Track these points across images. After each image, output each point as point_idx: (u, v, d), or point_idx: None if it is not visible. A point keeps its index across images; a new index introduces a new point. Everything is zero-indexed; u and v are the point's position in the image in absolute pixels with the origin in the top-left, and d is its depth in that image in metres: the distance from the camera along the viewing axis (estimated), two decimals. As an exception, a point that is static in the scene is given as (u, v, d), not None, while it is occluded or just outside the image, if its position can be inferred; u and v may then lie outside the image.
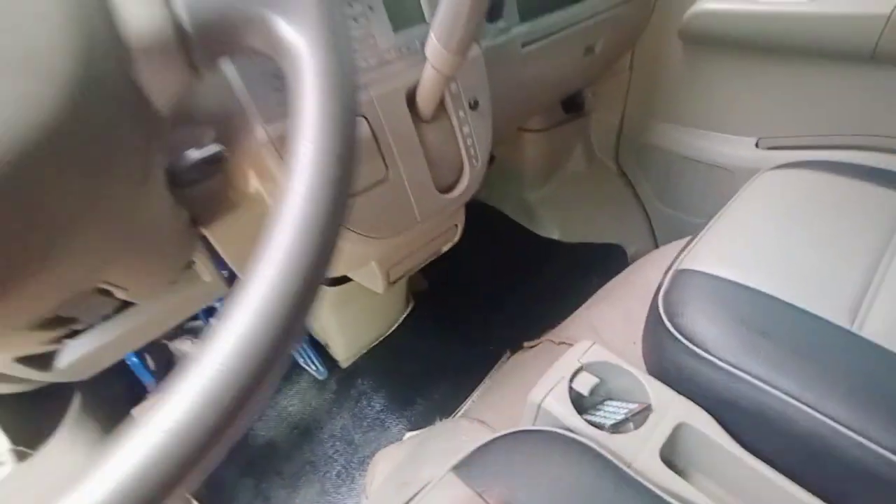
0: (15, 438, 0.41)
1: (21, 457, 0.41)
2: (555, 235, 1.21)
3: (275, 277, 0.15)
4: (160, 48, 0.19)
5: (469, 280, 1.12)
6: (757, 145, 0.89)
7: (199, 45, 0.20)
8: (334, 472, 0.82)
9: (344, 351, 0.94)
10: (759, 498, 0.40)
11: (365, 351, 0.97)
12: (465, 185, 0.54)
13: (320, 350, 0.94)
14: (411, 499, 0.41)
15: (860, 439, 0.38)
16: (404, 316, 1.01)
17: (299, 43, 0.19)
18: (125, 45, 0.18)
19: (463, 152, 0.51)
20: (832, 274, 0.50)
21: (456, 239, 0.66)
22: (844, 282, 0.49)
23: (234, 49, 0.21)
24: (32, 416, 0.45)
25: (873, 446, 0.37)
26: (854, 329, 0.44)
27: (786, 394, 0.41)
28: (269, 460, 0.83)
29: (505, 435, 0.42)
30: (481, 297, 1.08)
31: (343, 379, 0.93)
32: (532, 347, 0.77)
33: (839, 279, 0.49)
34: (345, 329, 0.90)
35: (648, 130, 1.04)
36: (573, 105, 1.09)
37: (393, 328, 1.00)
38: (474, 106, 0.51)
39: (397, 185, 0.48)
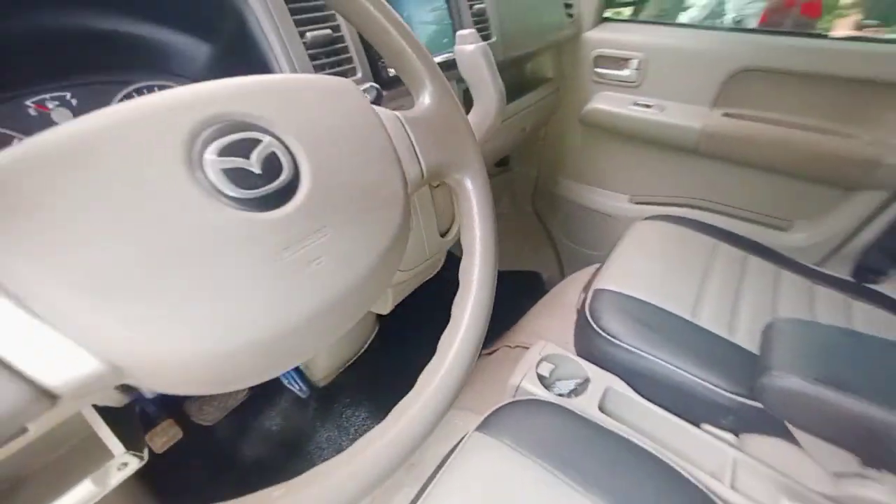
0: (125, 444, 0.50)
1: (139, 458, 0.49)
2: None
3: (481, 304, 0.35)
4: (413, 187, 0.36)
5: (423, 306, 1.31)
6: (630, 200, 1.26)
7: (426, 180, 0.38)
8: None
9: (322, 370, 1.05)
10: (656, 425, 0.66)
11: (341, 370, 1.09)
12: (456, 230, 0.75)
13: (299, 371, 1.04)
14: (441, 466, 0.57)
15: (704, 383, 0.65)
16: (373, 336, 1.16)
17: (470, 187, 0.39)
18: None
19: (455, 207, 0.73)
20: (689, 291, 0.80)
21: (439, 267, 0.86)
22: (687, 292, 0.80)
23: (438, 182, 0.40)
24: (130, 423, 0.53)
25: (711, 386, 0.65)
26: (728, 336, 0.73)
27: (665, 362, 0.68)
28: (259, 477, 0.90)
29: (506, 405, 0.62)
30: (436, 319, 1.27)
31: (323, 397, 1.04)
32: (490, 353, 0.99)
33: (686, 291, 0.80)
34: (326, 351, 1.02)
35: (556, 184, 1.37)
36: (502, 162, 1.38)
37: (364, 347, 1.14)
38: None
39: (417, 230, 0.67)
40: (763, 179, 1.03)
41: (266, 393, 1.01)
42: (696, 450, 0.63)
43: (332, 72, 0.49)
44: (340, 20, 0.51)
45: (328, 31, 0.49)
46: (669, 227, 0.97)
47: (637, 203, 1.25)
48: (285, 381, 1.02)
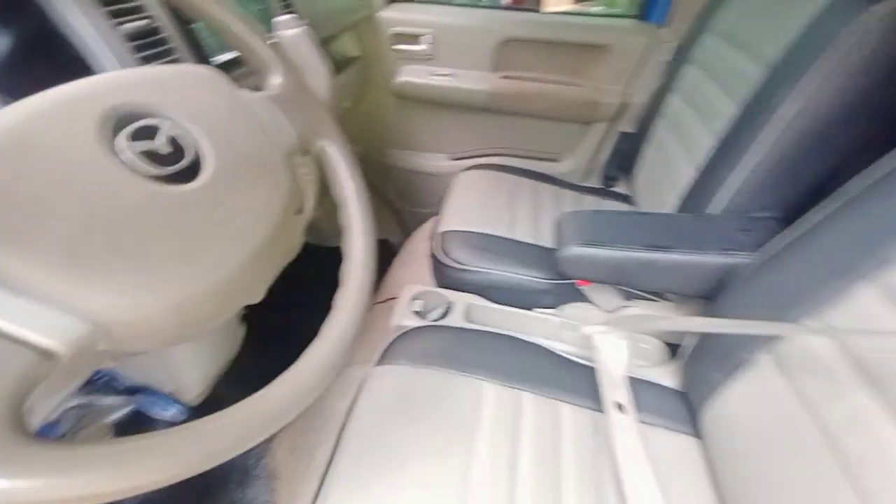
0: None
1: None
2: (337, 244, 1.52)
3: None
4: (291, 153, 0.42)
5: (287, 304, 1.30)
6: (449, 158, 1.47)
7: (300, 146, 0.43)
8: (234, 481, 0.90)
9: (193, 388, 0.99)
10: (508, 319, 0.87)
11: (213, 384, 1.03)
12: (310, 206, 0.80)
13: (168, 397, 0.96)
14: (350, 412, 0.65)
15: (528, 278, 0.88)
16: (241, 341, 1.12)
17: (335, 151, 0.47)
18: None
19: None
20: (506, 216, 1.03)
21: (299, 248, 0.90)
22: (505, 217, 1.02)
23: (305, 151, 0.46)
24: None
25: (533, 279, 0.88)
26: (537, 242, 0.97)
27: (501, 271, 0.89)
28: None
29: (394, 339, 0.74)
30: (301, 306, 1.28)
31: (201, 415, 0.98)
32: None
33: (504, 217, 1.02)
34: (197, 362, 0.96)
35: (383, 154, 1.49)
36: (328, 141, 1.42)
37: (233, 354, 1.09)
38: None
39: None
40: (536, 125, 1.34)
41: (140, 430, 0.91)
42: (536, 326, 0.86)
43: (163, 62, 0.50)
44: (154, 10, 0.51)
45: (146, 21, 0.49)
46: (482, 173, 1.19)
47: (455, 159, 1.46)
48: (156, 413, 0.93)
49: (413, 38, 1.24)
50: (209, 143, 0.33)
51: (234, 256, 0.32)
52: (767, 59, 0.68)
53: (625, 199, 1.17)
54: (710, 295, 0.68)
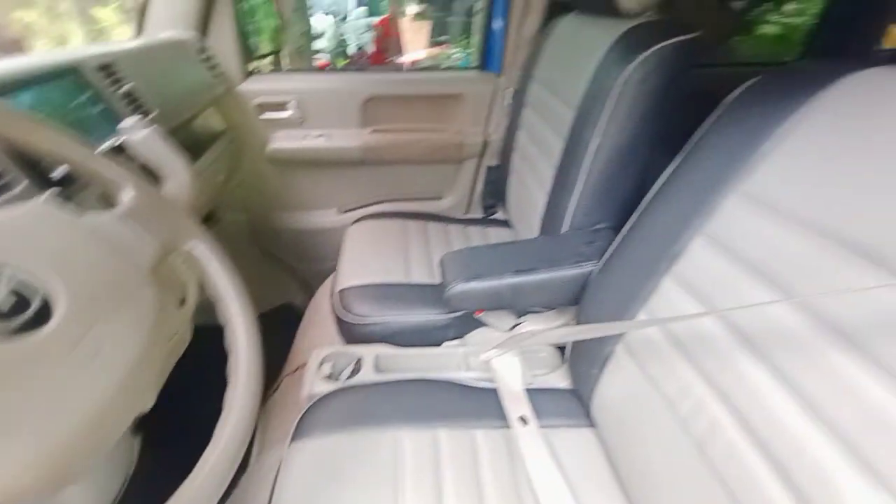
0: None
1: None
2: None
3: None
4: (154, 264, 0.42)
5: (179, 390, 1.19)
6: (338, 212, 1.49)
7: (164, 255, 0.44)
8: None
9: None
10: (418, 360, 0.91)
11: (111, 509, 0.91)
12: (193, 296, 0.78)
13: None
14: (271, 498, 0.64)
15: (429, 316, 0.94)
16: (138, 452, 1.01)
17: (201, 249, 0.48)
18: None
19: None
20: (400, 261, 1.08)
21: (188, 339, 0.86)
22: (400, 262, 1.08)
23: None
24: None
25: (433, 316, 0.94)
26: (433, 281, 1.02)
27: (403, 316, 0.93)
28: None
29: (306, 411, 0.74)
30: (200, 393, 1.19)
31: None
32: (276, 389, 1.05)
33: (399, 262, 1.08)
34: (89, 496, 0.84)
35: (272, 219, 1.47)
36: (207, 218, 1.37)
37: (131, 471, 0.98)
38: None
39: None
40: (414, 170, 1.43)
41: None
42: (444, 360, 0.91)
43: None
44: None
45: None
46: (371, 223, 1.24)
47: (345, 212, 1.49)
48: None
49: (279, 106, 1.27)
50: (58, 281, 0.33)
51: (105, 387, 0.32)
52: (574, 104, 0.83)
53: (504, 223, 1.30)
54: (576, 301, 0.79)
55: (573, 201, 0.82)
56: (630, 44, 0.72)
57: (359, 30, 3.96)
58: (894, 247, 0.37)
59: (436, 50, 3.86)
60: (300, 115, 1.29)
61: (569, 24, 0.99)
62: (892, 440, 0.34)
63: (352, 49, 3.90)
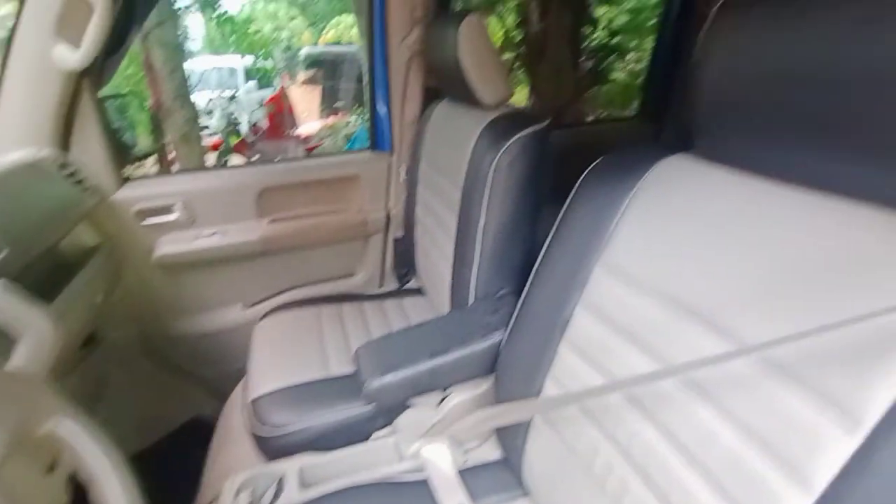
0: None
1: None
2: (135, 447, 1.26)
3: None
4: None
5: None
6: (244, 307, 1.41)
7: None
8: None
9: None
10: (345, 462, 0.85)
11: None
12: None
13: None
14: None
15: (351, 411, 0.90)
16: None
17: (66, 427, 0.42)
18: None
19: None
20: (316, 355, 1.03)
21: None
22: (315, 356, 1.04)
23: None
24: None
25: (357, 410, 0.90)
26: (335, 373, 0.98)
27: (325, 416, 0.88)
28: None
29: None
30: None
31: None
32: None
33: (314, 357, 1.03)
34: None
35: (168, 327, 1.34)
36: (88, 342, 1.21)
37: None
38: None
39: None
40: (322, 252, 1.41)
41: None
42: (374, 456, 0.87)
43: None
44: None
45: None
46: (281, 317, 1.19)
47: (252, 306, 1.41)
48: None
49: (163, 210, 1.20)
50: None
51: None
52: (459, 184, 0.90)
53: (418, 291, 1.32)
54: (493, 369, 0.82)
55: (474, 272, 0.87)
56: (496, 133, 0.81)
57: (251, 106, 3.94)
58: (722, 312, 0.44)
59: (331, 119, 3.95)
60: (188, 215, 1.22)
61: (444, 110, 1.08)
62: (748, 477, 0.39)
63: (244, 127, 3.84)
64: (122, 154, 1.23)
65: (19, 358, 0.49)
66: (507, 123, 0.81)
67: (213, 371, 1.42)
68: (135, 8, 1.02)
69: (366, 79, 1.33)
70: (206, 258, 1.26)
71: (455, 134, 0.96)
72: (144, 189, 1.19)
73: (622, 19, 3.74)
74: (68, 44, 0.89)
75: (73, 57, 0.89)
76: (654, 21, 2.96)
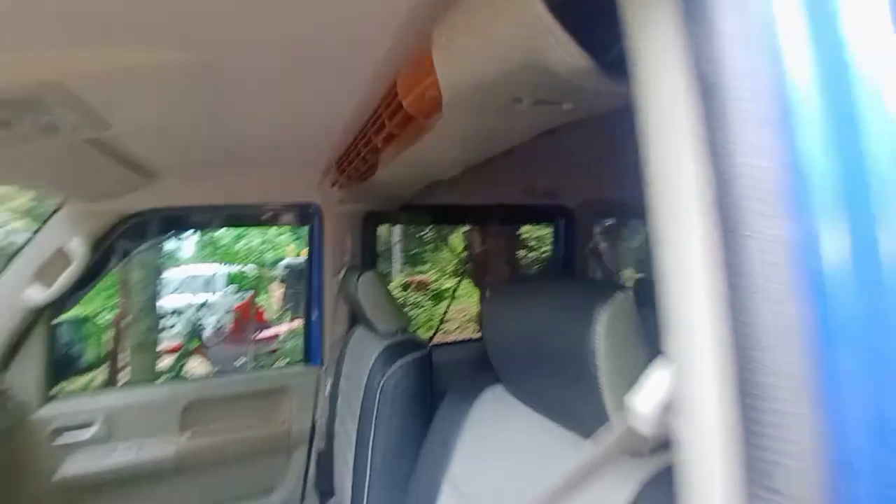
0: None
1: None
2: None
3: None
4: None
5: None
6: None
7: None
8: None
9: None
10: None
11: None
12: None
13: None
14: None
15: None
16: None
17: None
18: None
19: None
20: None
21: None
22: None
23: None
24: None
25: None
26: None
27: None
28: None
29: None
30: None
31: None
32: None
33: None
34: None
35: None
36: None
37: None
38: None
39: None
40: (242, 468, 1.37)
41: None
42: None
43: None
44: None
45: None
46: None
47: None
48: None
49: (81, 426, 1.21)
50: None
51: None
52: (359, 400, 1.01)
53: None
54: None
55: (365, 487, 0.90)
56: (385, 358, 0.97)
57: (218, 313, 4.19)
58: None
59: (296, 322, 4.18)
60: (106, 431, 1.23)
61: (360, 332, 1.27)
62: None
63: (208, 332, 4.00)
64: (64, 370, 1.31)
65: None
66: (398, 348, 0.98)
67: None
68: (111, 256, 1.27)
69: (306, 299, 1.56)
70: (116, 478, 1.21)
71: (361, 355, 1.11)
72: (67, 406, 1.22)
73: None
74: (41, 284, 1.08)
75: (41, 296, 1.07)
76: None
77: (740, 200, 0.20)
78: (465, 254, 3.83)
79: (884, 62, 0.21)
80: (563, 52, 0.34)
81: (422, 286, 6.16)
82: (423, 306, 5.93)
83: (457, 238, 4.19)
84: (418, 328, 5.26)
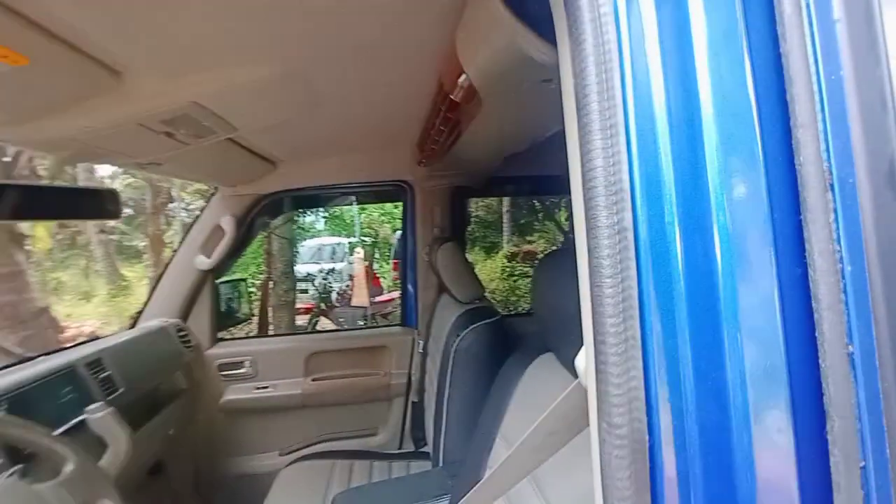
0: None
1: None
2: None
3: None
4: None
5: None
6: (280, 454, 1.61)
7: None
8: None
9: None
10: None
11: None
12: None
13: None
14: None
15: None
16: None
17: None
18: None
19: None
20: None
21: None
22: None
23: None
24: None
25: None
26: None
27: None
28: None
29: None
30: None
31: None
32: None
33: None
34: None
35: (216, 467, 1.57)
36: (155, 470, 1.48)
37: None
38: None
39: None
40: (351, 410, 1.63)
41: None
42: None
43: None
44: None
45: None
46: (301, 466, 1.37)
47: (285, 454, 1.61)
48: None
49: (237, 365, 1.57)
50: None
51: None
52: (437, 360, 1.12)
53: (427, 456, 1.43)
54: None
55: (441, 438, 1.02)
56: (461, 322, 1.06)
57: (344, 280, 4.83)
58: None
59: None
60: (253, 370, 1.57)
61: (444, 300, 1.39)
62: None
63: (334, 295, 4.63)
64: (227, 320, 1.69)
65: (104, 461, 0.76)
66: (469, 315, 1.06)
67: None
68: (253, 230, 1.57)
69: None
70: (260, 406, 1.55)
71: (443, 320, 1.22)
72: (228, 348, 1.58)
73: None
74: (204, 255, 1.41)
75: (206, 262, 1.39)
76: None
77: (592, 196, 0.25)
78: (568, 224, 3.73)
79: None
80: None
81: (529, 256, 6.15)
82: (530, 276, 5.91)
83: (563, 210, 4.08)
84: (522, 297, 5.31)
